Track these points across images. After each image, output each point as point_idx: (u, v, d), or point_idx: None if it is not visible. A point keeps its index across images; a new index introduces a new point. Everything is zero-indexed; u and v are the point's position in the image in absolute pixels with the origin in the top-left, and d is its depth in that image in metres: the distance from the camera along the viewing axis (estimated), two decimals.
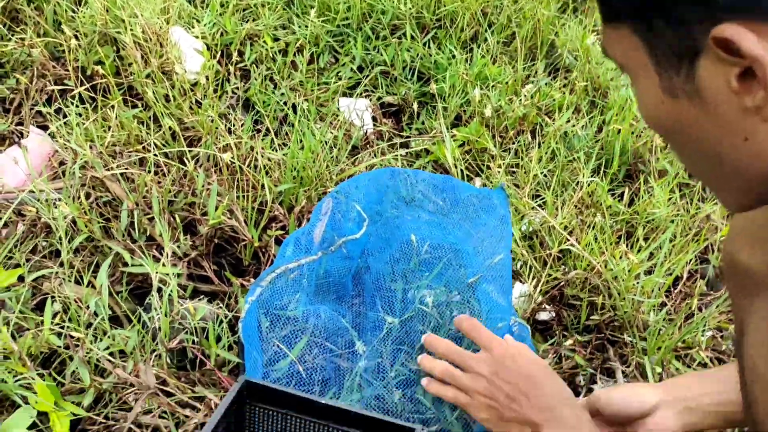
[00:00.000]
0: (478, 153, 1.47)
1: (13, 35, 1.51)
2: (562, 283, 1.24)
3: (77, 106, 1.38)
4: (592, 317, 1.22)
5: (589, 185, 1.41)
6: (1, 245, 1.13)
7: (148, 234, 1.20)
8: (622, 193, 1.45)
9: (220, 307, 1.11)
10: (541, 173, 1.43)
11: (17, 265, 1.13)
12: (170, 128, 1.36)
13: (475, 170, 1.46)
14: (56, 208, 1.16)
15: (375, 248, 1.16)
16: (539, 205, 1.37)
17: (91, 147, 1.29)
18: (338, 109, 1.52)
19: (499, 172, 1.41)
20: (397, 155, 1.43)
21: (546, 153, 1.46)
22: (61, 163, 1.31)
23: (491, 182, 1.40)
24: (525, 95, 1.56)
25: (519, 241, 1.29)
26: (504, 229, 1.22)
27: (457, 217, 1.24)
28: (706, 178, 0.63)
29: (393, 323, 1.08)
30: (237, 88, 1.53)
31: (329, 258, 1.12)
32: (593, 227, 1.32)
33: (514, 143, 1.51)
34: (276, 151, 1.36)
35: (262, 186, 1.27)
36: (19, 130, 1.38)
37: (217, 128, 1.37)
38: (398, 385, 1.02)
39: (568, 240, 1.27)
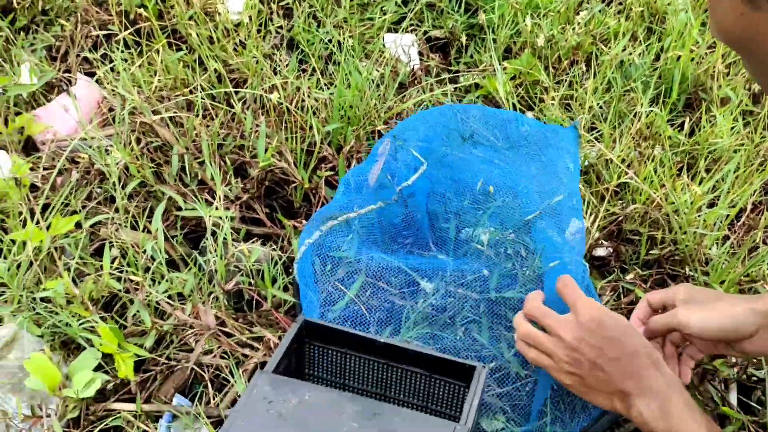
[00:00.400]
0: (531, 85, 1.42)
1: None
2: (620, 218, 1.21)
3: (122, 52, 1.37)
4: (651, 252, 1.19)
5: (647, 116, 1.35)
6: (58, 193, 1.14)
7: (199, 178, 1.20)
8: (683, 123, 1.39)
9: (274, 249, 1.11)
10: (597, 104, 1.38)
11: (74, 212, 1.14)
12: (215, 71, 1.35)
13: (527, 104, 1.41)
14: (108, 154, 1.17)
15: (430, 189, 1.14)
16: (595, 138, 1.32)
17: (138, 92, 1.28)
18: (383, 45, 1.48)
19: (552, 104, 1.36)
20: (446, 91, 1.39)
21: (601, 83, 1.40)
22: (110, 110, 1.31)
23: (544, 115, 1.35)
24: (578, 23, 1.49)
25: None
26: (570, 167, 1.18)
27: (513, 154, 1.20)
28: None
29: (448, 262, 1.07)
30: (280, 27, 1.50)
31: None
32: (652, 159, 1.27)
33: (567, 74, 1.45)
34: (323, 90, 1.34)
35: (310, 126, 1.25)
36: (67, 77, 1.38)
37: (262, 69, 1.35)
38: (456, 325, 1.01)
39: (627, 173, 1.23)
